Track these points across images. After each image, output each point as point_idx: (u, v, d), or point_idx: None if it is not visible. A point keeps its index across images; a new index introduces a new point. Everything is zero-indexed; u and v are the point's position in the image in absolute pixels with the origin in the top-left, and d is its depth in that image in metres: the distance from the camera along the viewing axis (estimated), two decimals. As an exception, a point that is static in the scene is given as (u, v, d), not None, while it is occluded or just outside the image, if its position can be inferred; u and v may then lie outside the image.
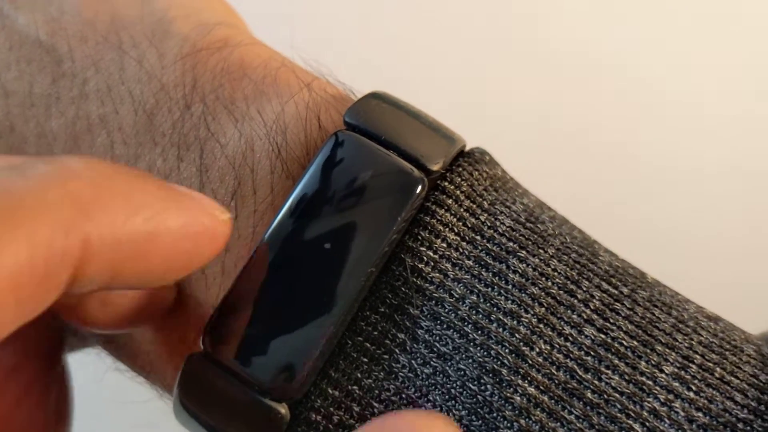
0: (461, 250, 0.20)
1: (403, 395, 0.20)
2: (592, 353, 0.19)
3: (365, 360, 0.20)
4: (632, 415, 0.19)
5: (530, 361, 0.19)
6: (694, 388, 0.19)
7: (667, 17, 0.57)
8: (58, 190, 0.15)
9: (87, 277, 0.16)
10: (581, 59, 0.56)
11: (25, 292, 0.14)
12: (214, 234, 0.18)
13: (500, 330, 0.19)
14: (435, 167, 0.21)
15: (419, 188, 0.20)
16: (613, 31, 0.56)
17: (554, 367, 0.19)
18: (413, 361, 0.20)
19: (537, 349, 0.19)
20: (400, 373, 0.20)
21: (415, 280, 0.20)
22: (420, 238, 0.20)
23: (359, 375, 0.20)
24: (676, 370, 0.19)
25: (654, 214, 0.53)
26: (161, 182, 0.18)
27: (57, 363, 0.23)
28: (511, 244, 0.20)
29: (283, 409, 0.19)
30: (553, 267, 0.20)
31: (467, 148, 0.22)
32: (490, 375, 0.19)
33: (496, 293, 0.20)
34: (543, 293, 0.20)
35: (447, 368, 0.19)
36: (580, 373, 0.19)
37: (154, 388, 0.23)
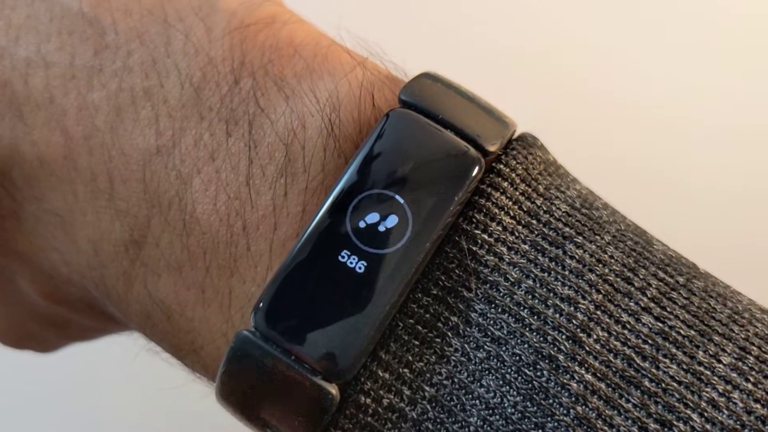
0: (517, 234, 0.20)
1: (455, 379, 0.19)
2: (650, 341, 0.19)
3: (416, 343, 0.19)
4: (690, 404, 0.18)
5: (588, 348, 0.19)
6: (752, 379, 0.19)
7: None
8: None
9: None
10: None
11: None
12: None
13: (557, 315, 0.19)
14: (492, 148, 0.20)
15: (477, 169, 0.20)
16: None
17: (612, 354, 0.19)
18: (466, 345, 0.19)
19: (594, 336, 0.19)
20: (453, 357, 0.19)
21: (469, 262, 0.20)
22: (475, 220, 0.20)
23: (410, 358, 0.19)
24: (733, 360, 0.19)
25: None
26: None
27: None
28: (567, 229, 0.20)
29: (333, 390, 0.19)
30: (609, 254, 0.20)
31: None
32: (547, 361, 0.19)
33: (552, 278, 0.19)
34: (600, 280, 0.19)
35: (501, 353, 0.19)
36: (638, 361, 0.19)
37: (191, 370, 0.23)
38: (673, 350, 0.19)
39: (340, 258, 0.19)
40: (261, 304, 0.19)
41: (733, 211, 0.57)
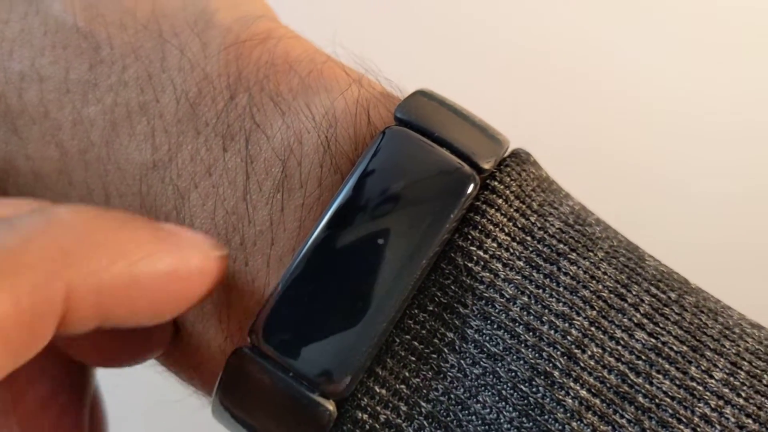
0: (512, 251, 0.20)
1: (452, 395, 0.19)
2: (643, 357, 0.19)
3: (413, 359, 0.20)
4: (684, 420, 0.19)
5: (582, 364, 0.19)
6: (743, 394, 0.19)
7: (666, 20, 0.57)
8: (43, 240, 0.17)
9: (75, 321, 0.17)
10: (580, 64, 0.56)
11: (12, 339, 0.16)
12: (205, 272, 0.19)
13: (552, 332, 0.19)
14: (486, 165, 0.20)
15: (471, 186, 0.20)
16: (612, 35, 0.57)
17: (606, 370, 0.19)
18: (462, 361, 0.19)
19: (589, 352, 0.19)
20: (449, 373, 0.19)
21: (465, 279, 0.20)
22: (470, 237, 0.20)
23: (407, 374, 0.20)
24: (725, 376, 0.19)
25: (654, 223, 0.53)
26: (153, 224, 0.19)
27: (86, 392, 0.23)
28: (561, 245, 0.20)
29: (330, 406, 0.19)
30: (603, 270, 0.20)
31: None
32: (542, 377, 0.19)
33: (547, 295, 0.20)
34: (594, 296, 0.20)
35: (497, 369, 0.19)
36: (632, 377, 0.19)
37: (189, 386, 0.23)
38: (666, 366, 0.19)
39: (336, 274, 0.20)
40: (258, 321, 0.20)
41: (732, 211, 0.57)
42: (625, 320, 0.19)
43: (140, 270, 0.18)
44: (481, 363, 0.19)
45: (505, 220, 0.20)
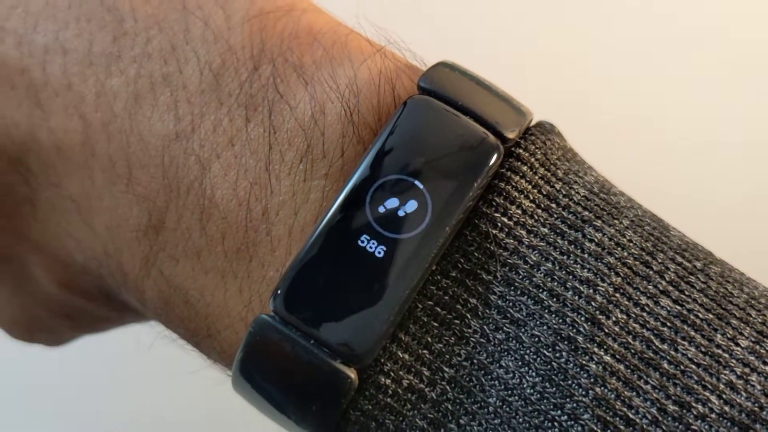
0: (536, 217, 0.20)
1: (475, 360, 0.19)
2: (668, 324, 0.19)
3: (436, 324, 0.20)
4: (709, 386, 0.18)
5: (606, 330, 0.19)
6: None
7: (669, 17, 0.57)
8: None
9: None
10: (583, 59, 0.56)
11: None
12: None
13: (576, 298, 0.19)
14: (511, 135, 0.20)
15: (495, 156, 0.20)
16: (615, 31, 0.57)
17: (631, 336, 0.19)
18: (485, 327, 0.19)
19: (613, 318, 0.19)
20: (472, 338, 0.19)
21: (488, 245, 0.20)
22: (494, 204, 0.20)
23: (429, 339, 0.19)
24: (751, 344, 0.19)
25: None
26: None
27: None
28: (586, 213, 0.20)
29: (352, 374, 0.19)
30: (628, 237, 0.20)
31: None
32: (566, 342, 0.19)
33: (571, 261, 0.19)
34: (619, 263, 0.20)
35: (520, 334, 0.19)
36: (657, 344, 0.19)
37: (206, 356, 0.23)
38: (692, 333, 0.19)
39: (359, 243, 0.19)
40: (280, 289, 0.20)
41: (732, 219, 0.57)
42: (650, 287, 0.19)
43: None
44: (504, 328, 0.19)
45: (530, 187, 0.20)
